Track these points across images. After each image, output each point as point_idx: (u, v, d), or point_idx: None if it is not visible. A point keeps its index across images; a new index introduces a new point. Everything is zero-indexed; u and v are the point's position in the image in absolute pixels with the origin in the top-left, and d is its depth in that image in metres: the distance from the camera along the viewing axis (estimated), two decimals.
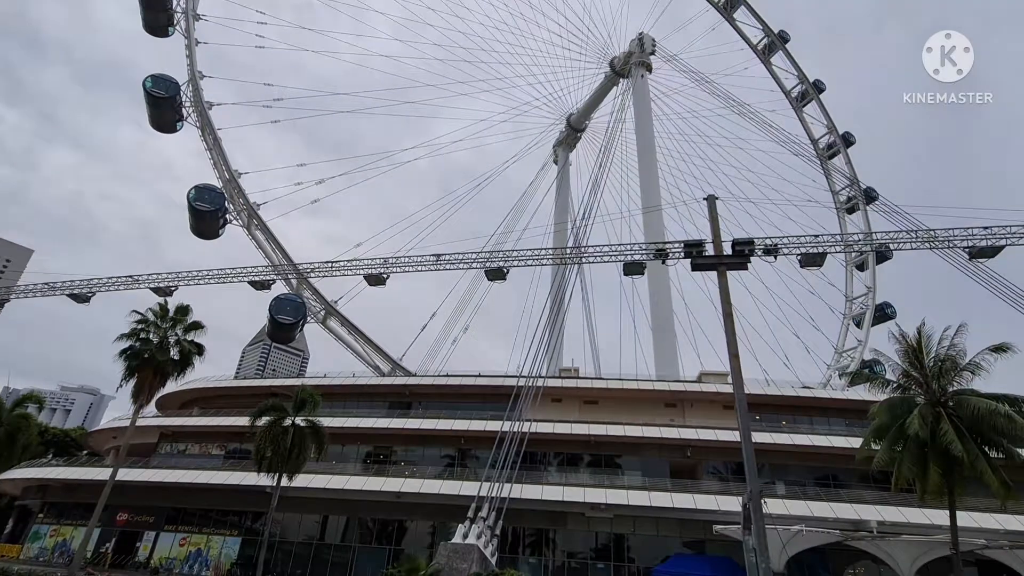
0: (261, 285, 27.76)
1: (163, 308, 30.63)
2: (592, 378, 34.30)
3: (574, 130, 45.94)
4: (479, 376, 33.83)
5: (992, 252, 22.23)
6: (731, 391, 25.27)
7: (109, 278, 31.41)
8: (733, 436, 26.38)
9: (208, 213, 25.30)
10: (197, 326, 30.53)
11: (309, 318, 23.31)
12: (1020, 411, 16.60)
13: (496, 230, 34.00)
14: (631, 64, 40.34)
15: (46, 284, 31.77)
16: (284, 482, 22.83)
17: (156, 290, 28.74)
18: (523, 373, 24.42)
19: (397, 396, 34.16)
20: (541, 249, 26.02)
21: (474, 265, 25.94)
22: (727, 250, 23.45)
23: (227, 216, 26.33)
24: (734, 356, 20.38)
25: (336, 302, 24.95)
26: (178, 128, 28.18)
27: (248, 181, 29.18)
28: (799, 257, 23.71)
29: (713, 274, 23.72)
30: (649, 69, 40.30)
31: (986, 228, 21.99)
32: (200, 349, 29.28)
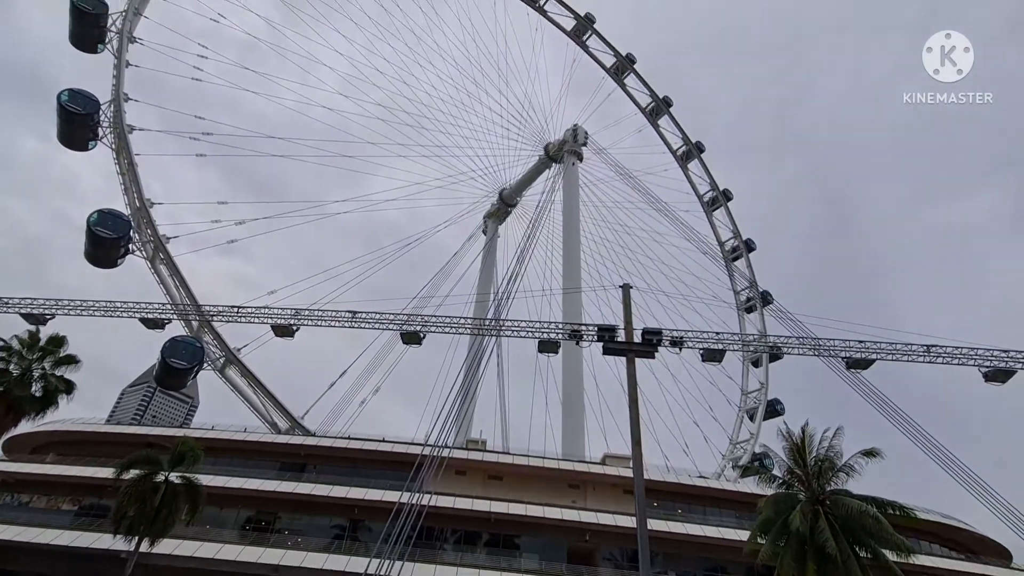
0: (155, 324, 25.54)
1: (33, 337, 27.38)
2: (499, 452, 33.79)
3: (506, 204, 47.55)
4: (382, 441, 32.36)
5: (866, 364, 24.75)
6: (632, 476, 25.62)
7: None
8: (631, 522, 26.54)
9: (109, 240, 23.41)
10: (70, 360, 27.36)
11: (206, 364, 21.62)
12: (885, 513, 18.08)
13: (418, 293, 33.82)
14: (564, 151, 42.92)
15: None
16: (145, 547, 20.21)
17: (27, 316, 25.77)
18: (429, 442, 23.66)
19: (291, 457, 31.83)
20: (461, 317, 26.05)
21: (391, 327, 25.43)
22: (637, 338, 24.67)
23: (130, 246, 24.47)
24: (636, 444, 20.97)
25: (239, 350, 23.39)
26: (90, 147, 26.39)
27: (160, 211, 27.54)
28: (701, 352, 25.17)
29: (624, 358, 24.71)
30: (580, 158, 43.03)
31: (861, 342, 24.59)
32: (69, 387, 26.17)
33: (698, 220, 52.03)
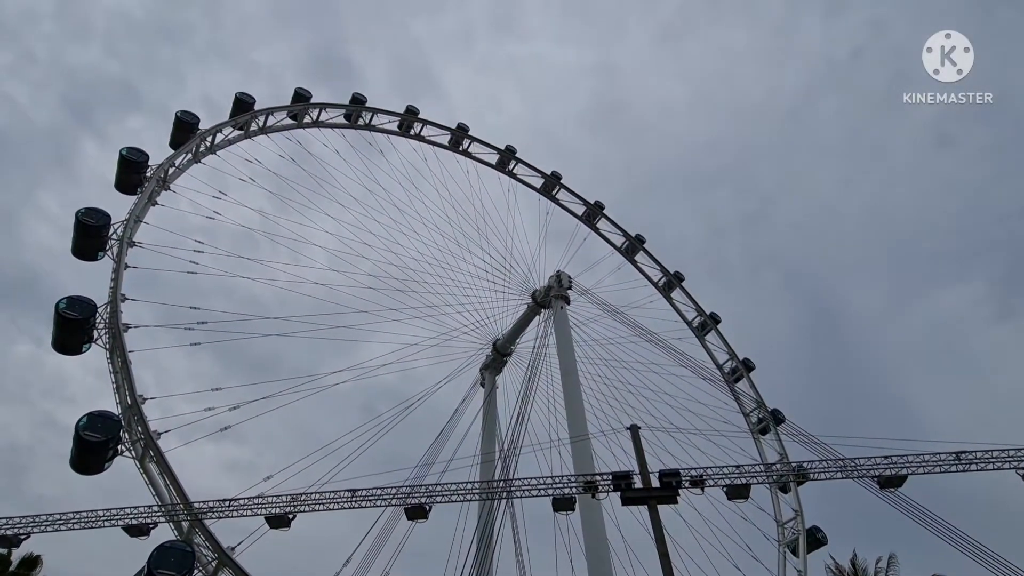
0: (139, 531, 23.74)
1: (4, 560, 25.26)
2: None
3: (500, 354, 47.69)
4: None
5: (899, 481, 23.32)
6: None
7: None
8: None
9: (97, 444, 22.58)
10: None
11: (197, 570, 19.74)
12: None
13: (419, 462, 32.29)
14: (551, 297, 44.15)
15: None
16: None
17: (1, 539, 23.93)
18: None
19: None
20: (467, 483, 24.65)
21: (393, 502, 23.89)
22: (655, 482, 23.35)
23: (119, 447, 23.58)
24: None
25: (232, 549, 21.52)
26: (84, 350, 26.58)
27: (151, 404, 26.99)
28: (725, 490, 23.70)
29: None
30: (567, 301, 44.18)
31: (887, 457, 23.40)
32: None
33: (692, 347, 52.23)
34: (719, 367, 53.55)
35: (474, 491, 23.92)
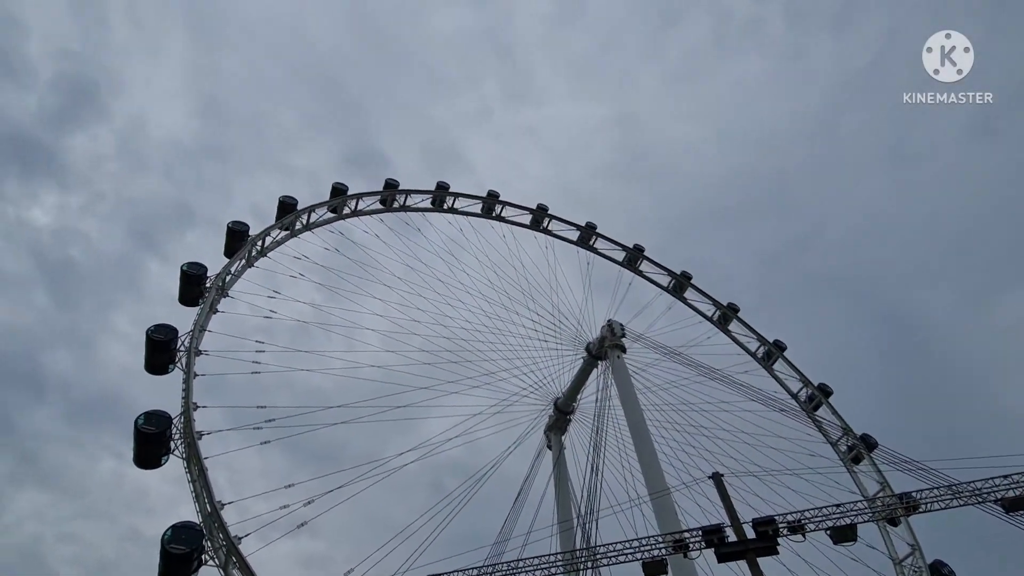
0: None
1: None
2: None
3: (563, 413, 46.64)
4: None
5: None
6: None
7: None
8: None
9: (183, 556, 22.88)
10: None
11: None
12: None
13: (496, 539, 31.29)
14: (605, 348, 43.32)
15: None
16: None
17: None
18: None
19: None
20: (549, 555, 23.52)
21: None
22: (749, 532, 21.69)
23: (202, 557, 23.81)
24: None
25: None
26: (163, 463, 27.46)
27: (229, 509, 27.36)
28: (828, 533, 21.74)
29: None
30: (623, 350, 43.21)
31: (1006, 476, 21.09)
32: None
33: (760, 379, 49.82)
34: (794, 396, 50.71)
35: (558, 563, 22.76)
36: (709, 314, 54.79)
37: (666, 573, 21.95)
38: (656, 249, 58.61)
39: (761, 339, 53.44)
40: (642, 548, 22.39)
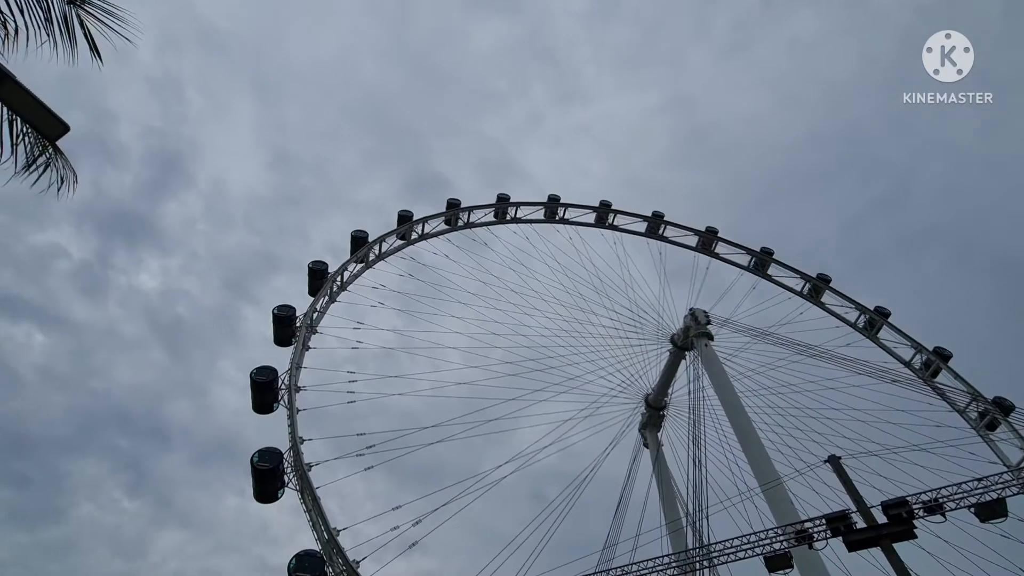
0: None
1: None
2: None
3: (655, 409, 45.39)
4: None
5: None
6: None
7: None
8: None
9: None
10: None
11: None
12: None
13: (605, 544, 30.75)
14: (691, 337, 41.82)
15: None
16: None
17: None
18: None
19: None
20: (661, 556, 22.78)
21: None
22: (879, 517, 20.02)
23: None
24: None
25: None
26: (280, 496, 29.13)
27: (344, 535, 28.61)
28: (972, 510, 19.68)
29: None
30: (711, 337, 41.51)
31: None
32: None
33: (865, 350, 46.35)
34: (906, 364, 46.68)
35: (673, 564, 21.98)
36: (798, 288, 51.68)
37: (791, 567, 20.67)
38: (731, 230, 56.34)
39: (860, 308, 49.73)
40: (761, 542, 21.21)
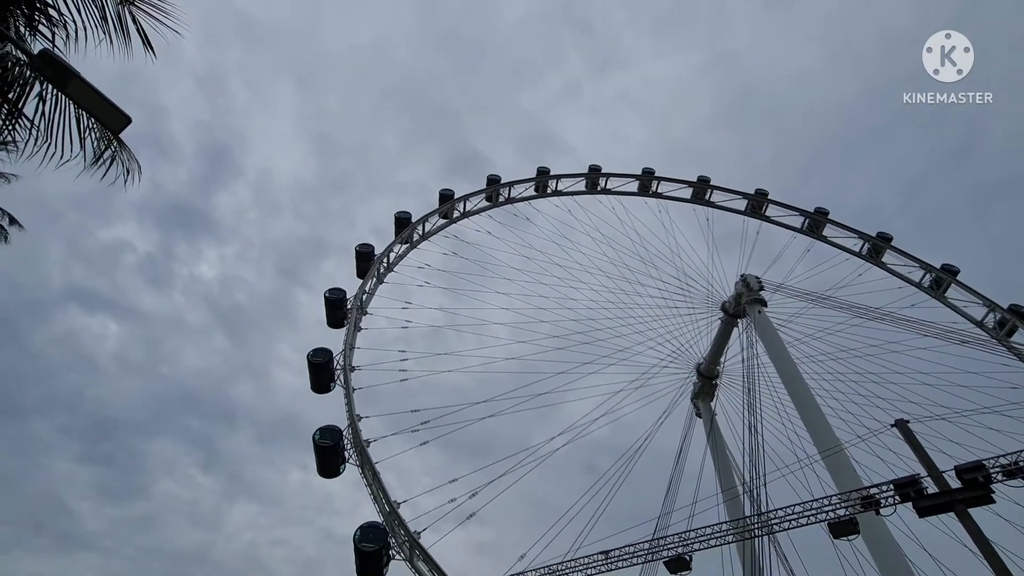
0: None
1: None
2: None
3: (707, 379, 44.66)
4: None
5: None
6: None
7: None
8: None
9: (373, 554, 25.19)
10: None
11: None
12: None
13: (660, 512, 30.75)
14: (743, 304, 40.72)
15: None
16: None
17: None
18: None
19: None
20: (721, 523, 22.63)
21: (651, 557, 22.74)
22: (953, 481, 19.21)
23: (390, 552, 26.03)
24: None
25: None
26: (341, 471, 30.34)
27: (404, 508, 29.64)
28: None
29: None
30: (764, 303, 40.28)
31: None
32: None
33: (932, 310, 44.00)
34: (978, 324, 44.11)
35: (733, 531, 21.79)
36: (856, 249, 49.37)
37: (857, 533, 20.15)
38: (782, 194, 54.09)
39: (925, 266, 47.11)
40: (824, 508, 20.72)
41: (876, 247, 48.77)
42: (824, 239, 50.21)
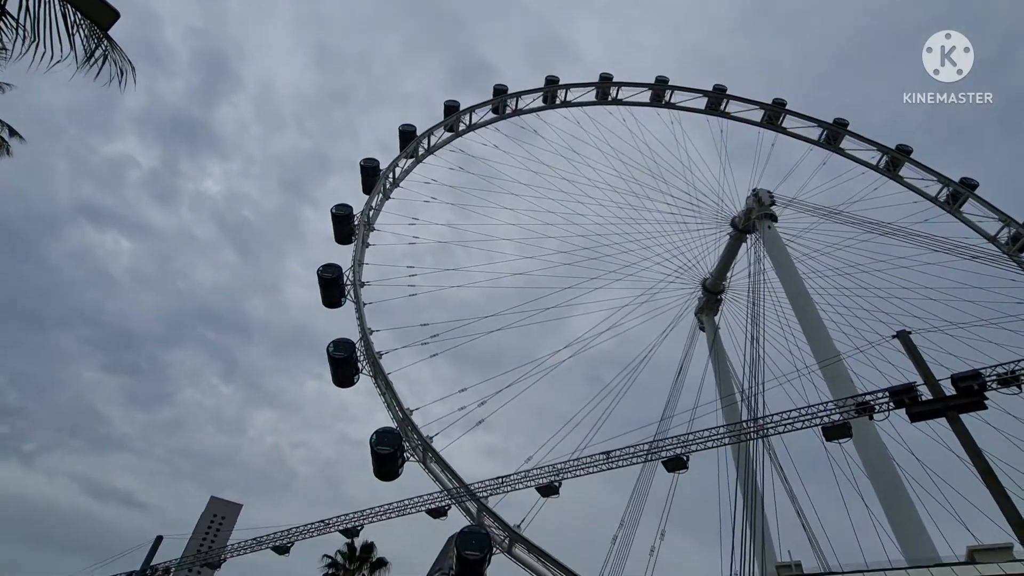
0: (438, 512, 27.91)
1: (351, 548, 31.72)
2: (823, 574, 27.93)
3: (712, 294, 45.04)
4: None
5: None
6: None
7: (304, 525, 33.76)
8: None
9: (389, 456, 26.77)
10: (382, 563, 31.01)
11: (495, 550, 22.27)
12: None
13: (662, 416, 32.09)
14: (753, 219, 40.24)
15: (253, 540, 34.83)
16: None
17: (344, 532, 30.13)
18: None
19: None
20: (716, 427, 23.70)
21: (650, 457, 24.07)
22: (948, 390, 19.76)
23: (405, 455, 27.64)
24: (1019, 526, 15.87)
25: (519, 527, 23.92)
26: (356, 381, 31.59)
27: (416, 415, 31.14)
28: None
29: (942, 421, 19.78)
30: (774, 218, 39.77)
31: None
32: None
33: (944, 225, 43.35)
34: (991, 240, 43.55)
35: (730, 433, 22.88)
36: (873, 163, 47.93)
37: (849, 436, 21.11)
38: (802, 104, 51.74)
39: (943, 180, 45.86)
40: (819, 414, 21.59)
41: (894, 160, 47.29)
42: (841, 152, 48.65)
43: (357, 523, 31.36)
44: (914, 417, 19.11)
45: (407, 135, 44.26)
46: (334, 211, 38.87)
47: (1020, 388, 19.07)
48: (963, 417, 19.18)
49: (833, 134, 48.47)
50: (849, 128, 48.62)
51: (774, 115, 49.50)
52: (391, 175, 42.55)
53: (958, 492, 27.74)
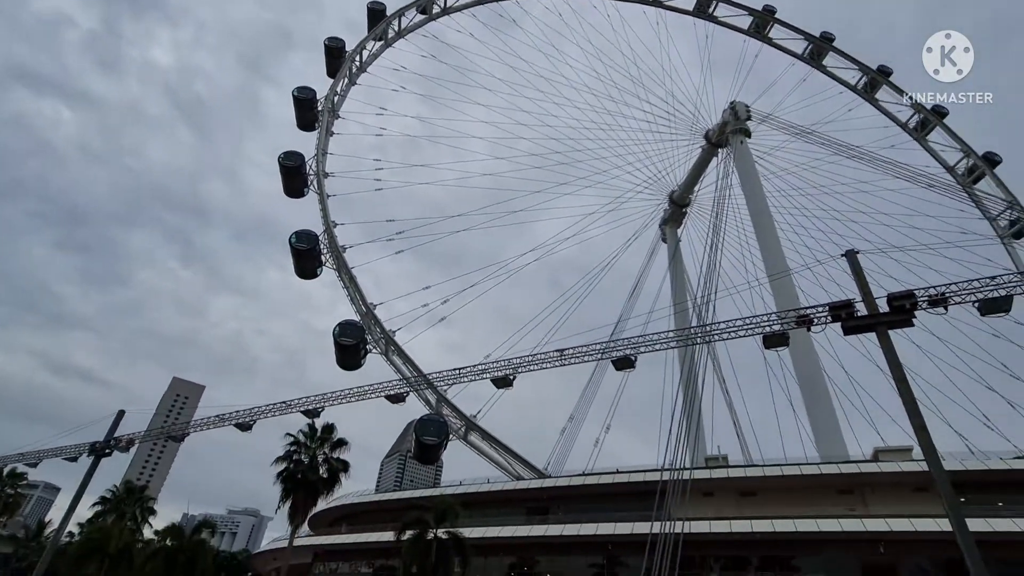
0: (397, 399, 29.35)
1: (312, 428, 33.40)
2: (745, 466, 31.12)
3: (679, 206, 45.53)
4: (617, 472, 32.05)
5: None
6: (921, 470, 21.69)
7: (267, 405, 34.93)
8: (936, 525, 22.17)
9: (351, 347, 27.42)
10: (342, 443, 33.08)
11: (452, 436, 23.77)
12: None
13: (618, 320, 33.48)
14: (727, 133, 39.95)
15: (216, 416, 35.97)
16: None
17: (306, 412, 31.43)
18: (666, 466, 22.64)
19: (535, 501, 33.07)
20: (665, 332, 25.02)
21: (602, 356, 25.42)
22: (882, 308, 21.07)
23: (367, 347, 28.35)
24: (921, 429, 17.74)
25: (475, 416, 25.44)
26: (319, 274, 31.49)
27: (380, 310, 31.66)
28: (977, 305, 20.57)
29: (871, 336, 21.25)
30: (748, 134, 39.60)
31: None
32: (345, 466, 31.70)
33: (910, 152, 44.06)
34: (949, 170, 44.76)
35: (674, 339, 24.25)
36: (853, 82, 47.42)
37: (786, 345, 22.65)
38: (793, 13, 49.63)
39: (916, 106, 46.00)
40: (763, 324, 22.95)
41: (873, 81, 46.88)
42: (823, 69, 47.79)
43: (318, 405, 32.62)
44: (847, 331, 20.48)
45: (377, 14, 41.08)
46: (296, 93, 36.61)
47: (946, 309, 20.53)
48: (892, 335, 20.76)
49: (818, 49, 47.31)
50: (835, 43, 47.46)
51: (762, 23, 47.71)
52: (358, 58, 39.96)
53: (874, 399, 30.70)
